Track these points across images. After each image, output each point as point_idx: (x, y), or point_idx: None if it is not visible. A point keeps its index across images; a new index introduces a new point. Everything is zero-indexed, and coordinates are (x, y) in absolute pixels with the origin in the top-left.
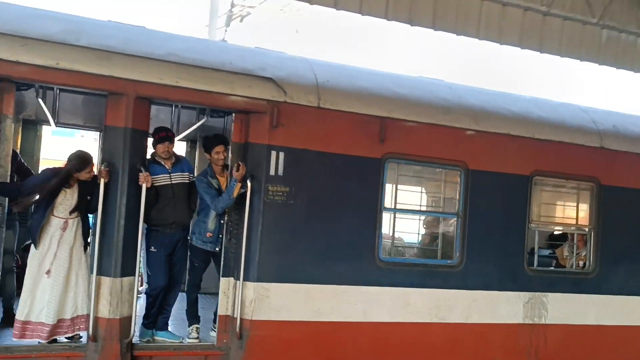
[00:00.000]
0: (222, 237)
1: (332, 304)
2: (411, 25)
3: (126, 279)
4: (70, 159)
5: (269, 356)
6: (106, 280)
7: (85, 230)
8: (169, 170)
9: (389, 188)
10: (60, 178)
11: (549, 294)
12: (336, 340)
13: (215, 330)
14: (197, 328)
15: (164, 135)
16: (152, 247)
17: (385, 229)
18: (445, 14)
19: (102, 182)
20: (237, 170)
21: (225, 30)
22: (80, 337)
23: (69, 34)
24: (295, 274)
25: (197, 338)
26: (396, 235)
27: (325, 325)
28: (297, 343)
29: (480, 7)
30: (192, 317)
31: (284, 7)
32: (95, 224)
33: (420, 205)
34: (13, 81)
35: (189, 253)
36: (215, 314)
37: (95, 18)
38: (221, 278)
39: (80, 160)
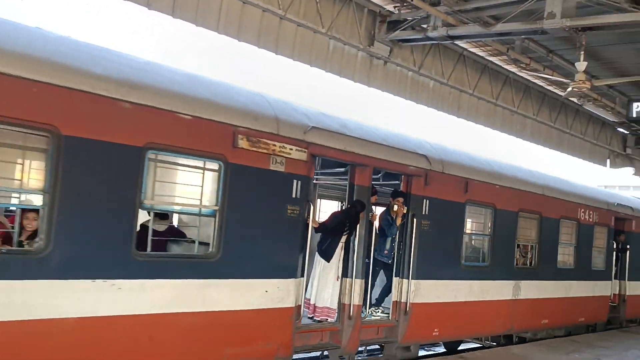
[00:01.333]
0: (394, 252)
1: (438, 292)
2: (148, 9)
3: (358, 280)
4: (354, 204)
5: (421, 323)
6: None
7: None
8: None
9: None
10: (347, 217)
11: (160, 280)
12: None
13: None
14: (382, 309)
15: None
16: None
17: None
18: (186, 3)
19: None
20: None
21: None
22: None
23: (343, 127)
24: (431, 274)
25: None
26: None
27: (442, 305)
28: (433, 315)
29: (221, 1)
30: (379, 302)
31: None
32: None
33: None
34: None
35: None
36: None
37: (338, 116)
38: (394, 278)
39: (361, 204)
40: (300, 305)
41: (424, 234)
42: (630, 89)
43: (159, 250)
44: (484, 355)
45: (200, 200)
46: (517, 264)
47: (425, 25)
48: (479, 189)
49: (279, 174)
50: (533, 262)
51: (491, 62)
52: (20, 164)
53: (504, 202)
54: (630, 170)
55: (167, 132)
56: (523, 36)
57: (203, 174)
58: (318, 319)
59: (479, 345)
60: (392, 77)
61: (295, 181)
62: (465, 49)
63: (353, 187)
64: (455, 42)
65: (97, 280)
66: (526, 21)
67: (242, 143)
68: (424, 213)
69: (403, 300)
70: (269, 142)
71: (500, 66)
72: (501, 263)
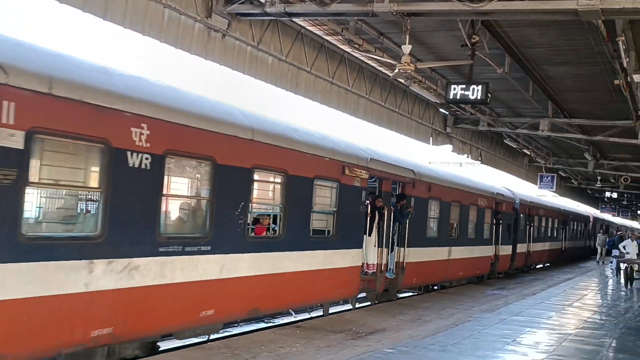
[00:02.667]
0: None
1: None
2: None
3: (385, 249)
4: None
5: (411, 275)
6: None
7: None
8: None
9: None
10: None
11: (315, 251)
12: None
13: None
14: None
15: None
16: None
17: None
18: None
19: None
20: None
21: None
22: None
23: (378, 157)
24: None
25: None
26: None
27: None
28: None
29: None
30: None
31: None
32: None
33: None
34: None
35: None
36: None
37: (376, 149)
38: (396, 247)
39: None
40: (362, 264)
41: (413, 221)
42: (449, 73)
43: (316, 235)
44: (319, 322)
45: (330, 205)
46: (450, 236)
47: (263, 0)
48: (440, 190)
49: (357, 187)
50: (456, 234)
51: (327, 41)
52: (272, 190)
53: (461, 199)
54: (449, 147)
55: (323, 169)
56: (356, 17)
57: (330, 190)
58: (368, 271)
59: (320, 314)
60: (231, 51)
61: (363, 191)
62: (303, 27)
63: (381, 192)
64: (293, 20)
65: (301, 251)
66: (359, 3)
67: (346, 171)
68: (411, 206)
69: (400, 260)
70: (355, 169)
71: (336, 46)
72: (444, 235)
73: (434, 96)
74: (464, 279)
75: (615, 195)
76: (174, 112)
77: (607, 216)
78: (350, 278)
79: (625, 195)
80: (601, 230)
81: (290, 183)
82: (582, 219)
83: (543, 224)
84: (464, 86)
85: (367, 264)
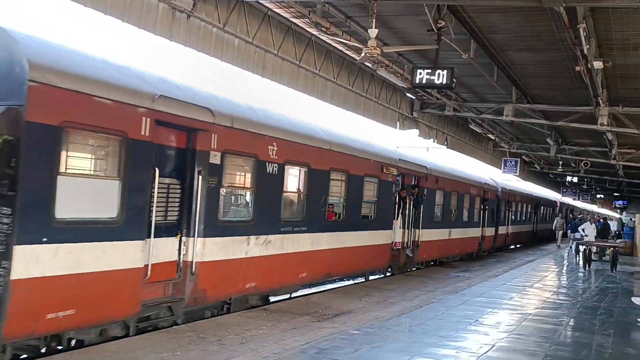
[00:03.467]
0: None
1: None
2: None
3: (406, 230)
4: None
5: (424, 251)
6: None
7: None
8: None
9: None
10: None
11: (361, 231)
12: (432, 244)
13: None
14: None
15: None
16: None
17: None
18: None
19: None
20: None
21: None
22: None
23: (403, 156)
24: (425, 226)
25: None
26: None
27: (433, 241)
28: (429, 245)
29: None
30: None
31: None
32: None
33: None
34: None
35: None
36: None
37: (400, 151)
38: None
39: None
40: (391, 242)
41: (426, 207)
42: (415, 58)
43: (364, 219)
44: (285, 305)
45: (373, 196)
46: (450, 220)
47: None
48: (444, 182)
49: (390, 182)
50: (454, 218)
51: (295, 24)
52: (339, 186)
53: (459, 189)
54: (415, 132)
55: (369, 168)
56: (323, 0)
57: (373, 184)
58: (395, 247)
59: (287, 297)
60: (196, 33)
61: (394, 185)
62: (270, 9)
63: (404, 184)
64: (260, 2)
65: (355, 231)
66: None
67: (384, 170)
68: (424, 195)
69: (415, 239)
70: (389, 168)
71: (303, 29)
72: (446, 219)
73: (401, 81)
74: (458, 255)
75: (575, 179)
76: (289, 134)
77: (572, 201)
78: (383, 252)
79: (585, 179)
80: (560, 214)
81: (350, 180)
82: (551, 204)
83: (519, 209)
84: (429, 71)
85: (394, 242)
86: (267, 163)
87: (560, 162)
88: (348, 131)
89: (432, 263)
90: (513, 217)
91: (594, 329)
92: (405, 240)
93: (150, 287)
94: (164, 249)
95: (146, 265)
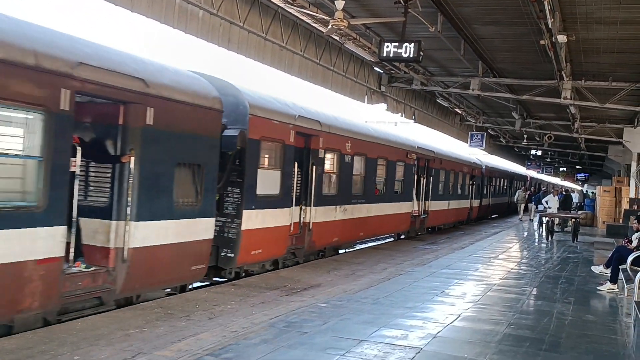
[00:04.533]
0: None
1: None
2: None
3: (417, 202)
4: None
5: (432, 218)
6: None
7: None
8: None
9: None
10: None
11: (391, 203)
12: (437, 213)
13: None
14: None
15: None
16: None
17: None
18: None
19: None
20: None
21: None
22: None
23: (419, 144)
24: (433, 198)
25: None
26: None
27: (438, 211)
28: (435, 214)
29: None
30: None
31: None
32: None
33: None
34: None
35: None
36: None
37: (418, 140)
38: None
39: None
40: (411, 210)
41: (433, 184)
42: (383, 31)
43: (395, 193)
44: (254, 280)
45: (401, 175)
46: (449, 193)
47: None
48: (445, 163)
49: (411, 164)
50: (452, 192)
51: None
52: (382, 169)
53: (455, 168)
54: (383, 106)
55: (399, 155)
56: None
57: (401, 167)
58: (414, 215)
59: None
60: (159, 4)
61: (413, 167)
62: None
63: (419, 166)
64: None
65: (390, 202)
66: None
67: (408, 155)
68: (432, 174)
69: (426, 209)
70: (412, 154)
71: (270, 0)
72: (446, 193)
73: (369, 54)
74: (453, 222)
75: (540, 152)
76: (356, 134)
77: (542, 175)
78: (407, 219)
79: (549, 152)
80: (522, 187)
81: (389, 165)
82: (522, 178)
83: (499, 184)
84: (397, 44)
85: (414, 210)
86: (345, 155)
87: (525, 136)
88: (318, 106)
89: (428, 229)
90: (493, 190)
91: (555, 297)
92: (420, 209)
93: (290, 237)
94: (295, 214)
95: (290, 224)
